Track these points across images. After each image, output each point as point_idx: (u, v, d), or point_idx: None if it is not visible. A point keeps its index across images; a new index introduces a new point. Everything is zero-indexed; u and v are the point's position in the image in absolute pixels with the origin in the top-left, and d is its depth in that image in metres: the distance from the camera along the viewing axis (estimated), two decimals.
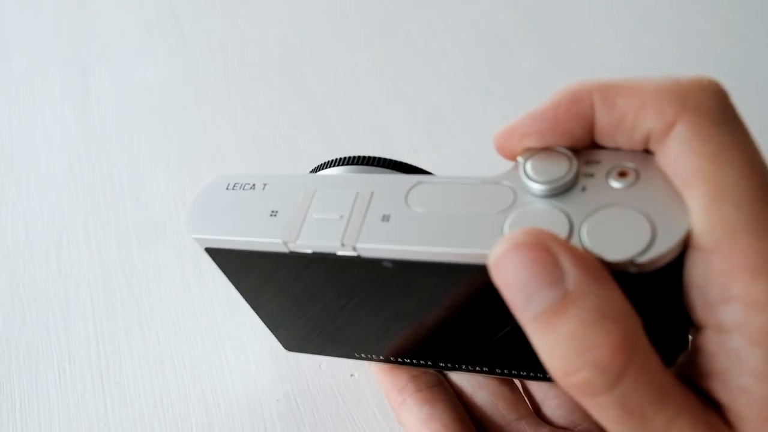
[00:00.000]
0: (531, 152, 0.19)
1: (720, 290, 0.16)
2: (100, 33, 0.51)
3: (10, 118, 0.43)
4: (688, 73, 0.18)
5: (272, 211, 0.21)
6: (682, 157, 0.16)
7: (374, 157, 0.23)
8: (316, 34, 0.52)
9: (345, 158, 0.23)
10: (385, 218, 0.19)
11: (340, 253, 0.20)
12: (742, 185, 0.16)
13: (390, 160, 0.22)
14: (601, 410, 0.16)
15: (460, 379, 0.26)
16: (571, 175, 0.18)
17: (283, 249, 0.20)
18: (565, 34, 0.54)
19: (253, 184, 0.22)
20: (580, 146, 0.19)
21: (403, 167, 0.23)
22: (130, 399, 0.28)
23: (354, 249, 0.19)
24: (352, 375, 0.30)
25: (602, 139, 0.18)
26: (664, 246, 0.16)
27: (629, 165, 0.18)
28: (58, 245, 0.35)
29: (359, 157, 0.23)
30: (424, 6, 0.56)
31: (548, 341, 0.16)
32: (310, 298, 0.23)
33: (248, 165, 0.40)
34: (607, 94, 0.18)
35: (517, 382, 0.26)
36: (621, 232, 0.17)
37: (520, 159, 0.19)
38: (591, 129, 0.18)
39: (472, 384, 0.25)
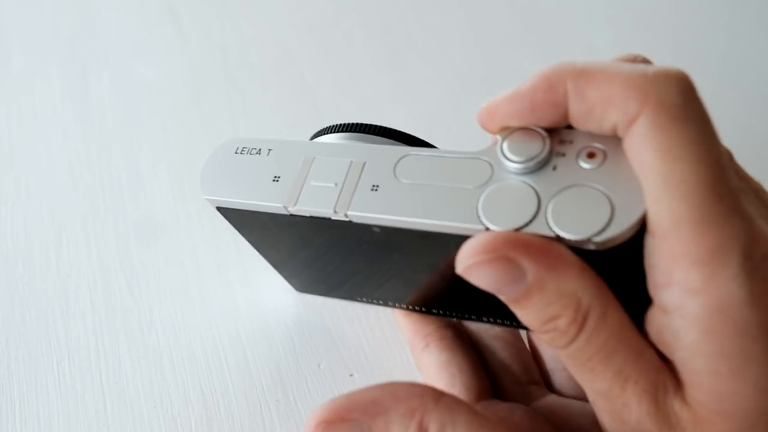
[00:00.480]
0: (509, 131, 0.21)
1: (665, 274, 0.18)
2: (100, 33, 0.51)
3: (10, 118, 0.43)
4: (663, 64, 0.19)
5: (275, 177, 0.23)
6: (639, 151, 0.18)
7: (371, 125, 0.25)
8: (316, 34, 0.52)
9: (344, 125, 0.24)
10: (375, 188, 0.21)
11: (333, 218, 0.22)
12: (690, 180, 0.17)
13: (386, 128, 0.24)
14: (563, 359, 0.19)
15: (483, 338, 0.28)
16: (543, 155, 0.19)
17: (284, 212, 0.23)
18: (564, 34, 0.54)
19: (259, 149, 0.24)
20: (557, 127, 0.20)
21: (398, 135, 0.24)
22: (130, 399, 0.28)
23: (346, 216, 0.21)
24: (351, 375, 0.30)
25: (575, 124, 0.20)
26: (620, 228, 0.18)
27: (598, 146, 0.19)
28: (58, 245, 0.35)
29: (357, 124, 0.24)
30: (424, 6, 0.56)
31: (522, 314, 0.19)
32: (312, 250, 0.26)
33: None
34: (579, 84, 0.19)
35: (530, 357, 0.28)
36: (583, 212, 0.18)
37: (498, 137, 0.21)
38: (565, 115, 0.19)
39: (493, 345, 0.28)
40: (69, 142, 0.41)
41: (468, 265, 0.18)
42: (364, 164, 0.22)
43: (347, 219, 0.21)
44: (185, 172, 0.40)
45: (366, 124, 0.24)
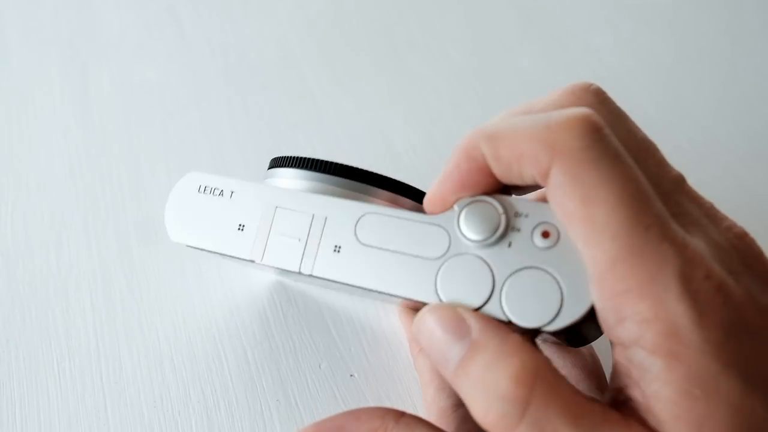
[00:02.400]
0: (464, 201, 0.21)
1: (615, 312, 0.18)
2: (100, 33, 0.51)
3: (9, 118, 0.43)
4: (570, 107, 0.20)
5: (240, 224, 0.24)
6: (560, 201, 0.19)
7: (326, 163, 0.25)
8: (316, 34, 0.52)
9: (301, 161, 0.25)
10: (337, 249, 0.22)
11: (299, 272, 0.23)
12: (612, 220, 0.18)
13: (341, 167, 0.24)
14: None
15: None
16: (499, 232, 0.20)
17: (252, 261, 0.24)
18: (565, 34, 0.54)
19: (221, 191, 0.25)
20: (497, 189, 0.21)
21: (354, 174, 0.24)
22: (130, 399, 0.28)
23: (311, 274, 0.23)
24: (351, 375, 0.30)
25: (504, 181, 0.21)
26: (568, 319, 0.19)
27: (553, 224, 0.20)
28: (58, 245, 0.35)
29: (313, 161, 0.24)
30: (424, 6, 0.56)
31: (466, 389, 0.19)
32: (284, 275, 0.28)
33: (248, 165, 0.40)
34: (491, 147, 0.20)
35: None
36: (535, 298, 0.19)
37: (456, 207, 0.21)
38: (494, 176, 0.21)
39: None
40: (69, 142, 0.41)
41: (421, 329, 0.20)
42: (325, 219, 0.23)
43: (312, 275, 0.23)
44: (185, 172, 0.40)
45: (322, 163, 0.24)
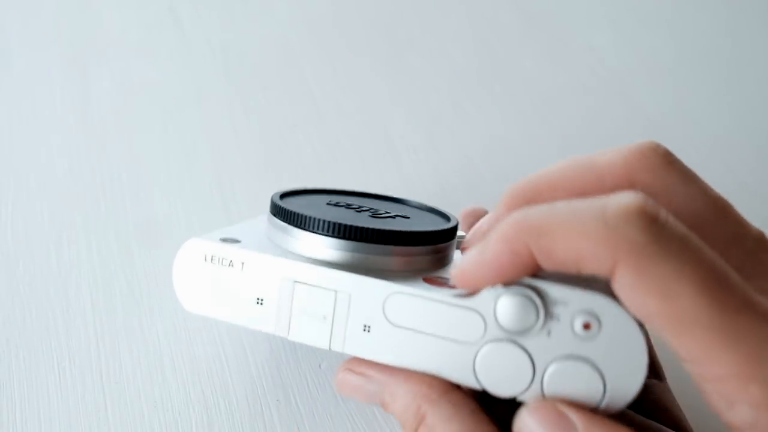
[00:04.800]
0: (498, 288, 0.20)
1: (724, 397, 0.18)
2: (100, 33, 0.51)
3: (10, 118, 0.43)
4: (618, 193, 0.19)
5: (258, 299, 0.23)
6: (634, 301, 0.18)
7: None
8: (316, 34, 0.52)
9: (306, 220, 0.23)
10: (366, 328, 0.21)
11: (329, 349, 0.22)
12: (700, 311, 0.17)
13: (355, 230, 0.22)
14: None
15: None
16: (538, 325, 0.19)
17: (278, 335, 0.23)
18: (565, 34, 0.54)
19: (231, 261, 0.23)
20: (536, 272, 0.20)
21: (366, 235, 0.23)
22: (130, 399, 0.28)
23: (342, 351, 0.22)
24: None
25: (553, 269, 0.20)
26: (611, 409, 0.19)
27: (594, 314, 0.19)
28: (58, 245, 0.35)
29: (325, 224, 0.23)
30: (424, 6, 0.56)
31: None
32: None
33: (248, 165, 0.40)
34: (543, 245, 0.19)
35: None
36: (577, 387, 0.19)
37: (488, 293, 0.20)
38: (538, 268, 0.19)
39: None
40: (69, 142, 0.41)
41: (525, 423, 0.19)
42: (350, 297, 0.21)
43: (344, 353, 0.22)
44: (185, 172, 0.40)
45: (336, 226, 0.22)
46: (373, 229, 0.22)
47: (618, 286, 0.18)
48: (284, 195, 0.26)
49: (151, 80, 0.47)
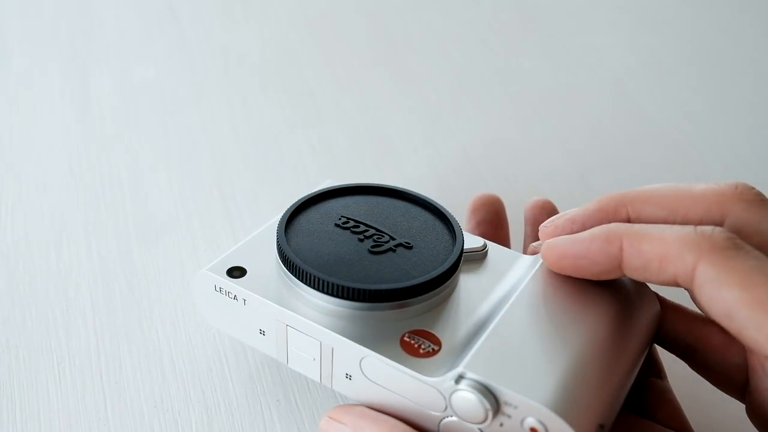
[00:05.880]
0: (450, 385, 0.21)
1: None
2: (100, 33, 0.51)
3: (10, 118, 0.43)
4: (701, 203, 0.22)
5: (261, 330, 0.25)
6: (715, 294, 0.20)
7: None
8: (316, 34, 0.52)
9: (305, 275, 0.24)
10: (348, 377, 0.23)
11: (321, 384, 0.25)
12: None
13: (343, 289, 0.24)
14: None
15: None
16: (488, 420, 0.21)
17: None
18: (565, 34, 0.54)
19: (235, 296, 0.25)
20: (609, 277, 0.23)
21: (352, 294, 0.24)
22: (130, 399, 0.28)
23: (331, 388, 0.25)
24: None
25: (631, 274, 0.22)
26: None
27: (539, 422, 0.20)
28: (58, 245, 0.35)
29: (322, 282, 0.24)
30: (424, 6, 0.56)
31: None
32: None
33: (248, 165, 0.40)
34: (635, 241, 0.21)
35: None
36: None
37: (448, 378, 0.21)
38: (619, 265, 0.22)
39: None
40: (69, 142, 0.41)
41: None
42: (332, 350, 0.23)
43: (333, 389, 0.25)
44: (185, 172, 0.40)
45: (327, 284, 0.24)
46: (356, 289, 0.23)
47: (698, 284, 0.20)
48: (296, 211, 0.27)
49: (151, 80, 0.47)
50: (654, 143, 0.45)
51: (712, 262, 0.20)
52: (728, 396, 0.25)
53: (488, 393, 0.21)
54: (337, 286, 0.23)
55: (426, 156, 0.42)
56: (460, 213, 0.31)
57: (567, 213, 0.25)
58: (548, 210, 0.32)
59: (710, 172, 0.43)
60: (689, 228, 0.21)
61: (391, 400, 0.23)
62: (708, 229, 0.21)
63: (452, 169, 0.41)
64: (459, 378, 0.21)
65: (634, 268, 0.22)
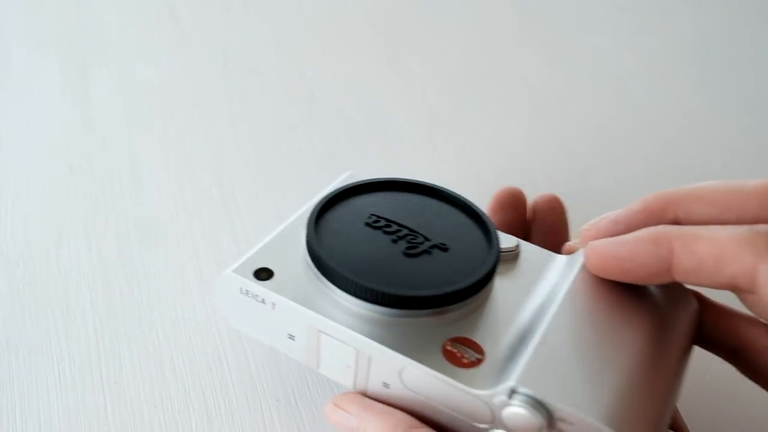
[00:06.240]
0: (503, 399, 0.20)
1: None
2: (100, 33, 0.51)
3: (10, 118, 0.43)
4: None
5: (290, 335, 0.24)
6: None
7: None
8: (316, 34, 0.52)
9: (340, 279, 0.23)
10: (386, 385, 0.22)
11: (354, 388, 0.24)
12: None
13: (384, 296, 0.22)
14: None
15: None
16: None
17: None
18: (565, 34, 0.54)
19: (263, 299, 0.24)
20: (657, 281, 0.22)
21: (392, 300, 0.23)
22: (130, 399, 0.28)
23: (365, 392, 0.23)
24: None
25: (682, 277, 0.21)
26: None
27: None
28: (58, 245, 0.35)
29: (357, 286, 0.23)
30: (424, 6, 0.56)
31: None
32: None
33: (248, 165, 0.40)
34: (687, 241, 0.21)
35: None
36: None
37: (498, 392, 0.20)
38: (669, 268, 0.21)
39: None
40: (69, 142, 0.41)
41: None
42: (370, 359, 0.22)
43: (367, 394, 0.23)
44: (185, 172, 0.40)
45: (367, 290, 0.23)
46: (396, 296, 0.22)
47: (762, 284, 0.19)
48: (324, 209, 0.25)
49: (151, 80, 0.47)
50: (654, 143, 0.44)
51: None
52: (726, 399, 0.24)
53: (542, 408, 0.20)
54: (376, 291, 0.22)
55: (426, 156, 0.42)
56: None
57: (609, 215, 0.24)
58: (553, 204, 0.31)
59: (710, 172, 0.43)
60: (744, 228, 0.20)
61: (431, 409, 0.22)
62: (765, 227, 0.20)
63: (452, 169, 0.41)
64: (512, 393, 0.20)
65: (685, 271, 0.21)
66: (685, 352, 0.23)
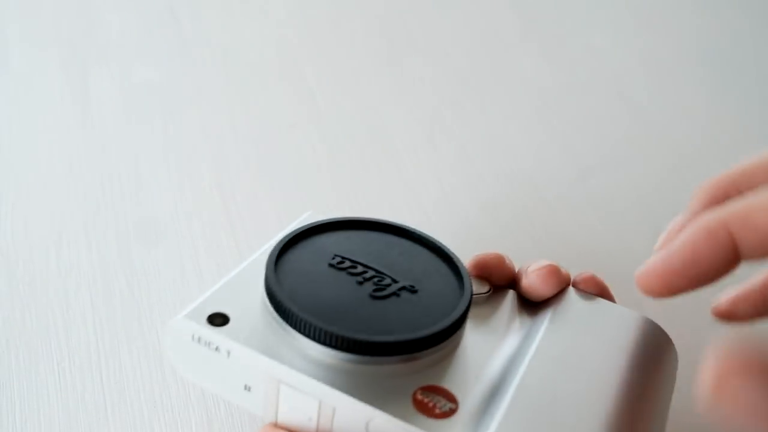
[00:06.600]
0: None
1: None
2: (100, 33, 0.51)
3: (10, 118, 0.43)
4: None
5: (246, 385, 0.22)
6: None
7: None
8: (316, 34, 0.52)
9: (299, 322, 0.21)
10: None
11: None
12: None
13: (345, 341, 0.21)
14: None
15: None
16: None
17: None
18: (565, 34, 0.54)
19: (217, 347, 0.22)
20: (728, 272, 0.19)
21: (356, 346, 0.21)
22: (130, 399, 0.28)
23: None
24: None
25: (753, 255, 0.19)
26: None
27: None
28: (58, 245, 0.35)
29: (316, 330, 0.21)
30: (424, 6, 0.56)
31: None
32: None
33: (248, 165, 0.40)
34: (741, 217, 0.18)
35: None
36: None
37: None
38: (735, 253, 0.19)
39: None
40: (69, 142, 0.41)
41: None
42: (334, 410, 0.20)
43: None
44: (185, 172, 0.40)
45: (327, 334, 0.21)
46: (362, 341, 0.21)
47: None
48: (284, 249, 0.24)
49: (151, 80, 0.47)
50: (654, 143, 0.45)
51: None
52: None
53: None
54: (340, 337, 0.21)
55: (426, 156, 0.42)
56: (461, 213, 0.31)
57: (672, 228, 0.22)
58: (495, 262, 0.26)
59: (710, 171, 0.43)
60: None
61: None
62: None
63: (452, 169, 0.41)
64: None
65: (754, 248, 0.18)
66: (667, 396, 0.23)
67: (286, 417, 0.22)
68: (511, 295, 0.25)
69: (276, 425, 0.22)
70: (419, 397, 0.20)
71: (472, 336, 0.23)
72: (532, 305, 0.25)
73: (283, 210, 0.38)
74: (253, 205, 0.38)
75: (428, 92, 0.48)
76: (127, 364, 0.30)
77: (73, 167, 0.40)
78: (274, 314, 0.22)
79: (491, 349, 0.23)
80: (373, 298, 0.23)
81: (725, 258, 0.19)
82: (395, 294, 0.23)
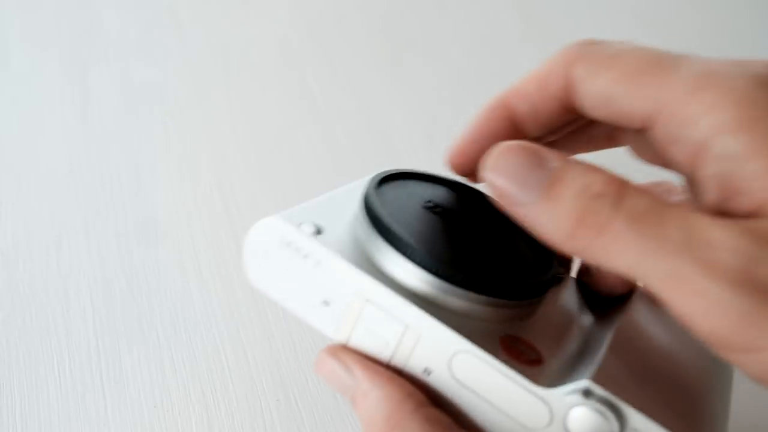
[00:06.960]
0: (572, 398, 0.18)
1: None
2: (100, 33, 0.51)
3: (10, 118, 0.43)
4: None
5: (325, 300, 0.21)
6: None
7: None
8: (316, 34, 0.52)
9: (411, 251, 0.20)
10: (427, 371, 0.20)
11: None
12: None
13: (462, 280, 0.20)
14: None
15: None
16: None
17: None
18: (565, 34, 0.54)
19: (307, 254, 0.20)
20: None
21: (470, 284, 0.20)
22: (130, 399, 0.28)
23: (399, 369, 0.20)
24: None
25: (532, 125, 0.22)
26: None
27: None
28: (58, 245, 0.35)
29: (430, 263, 0.20)
30: (424, 6, 0.56)
31: (551, 214, 0.18)
32: None
33: (248, 165, 0.40)
34: (514, 89, 0.22)
35: None
36: None
37: (565, 393, 0.18)
38: (515, 126, 0.22)
39: None
40: (69, 142, 0.41)
41: (496, 153, 0.18)
42: (419, 337, 0.19)
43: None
44: (185, 172, 0.40)
45: (443, 267, 0.20)
46: (467, 276, 0.20)
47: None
48: (383, 180, 0.23)
49: (151, 80, 0.47)
50: None
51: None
52: None
53: (617, 415, 0.17)
54: (446, 264, 0.20)
55: (426, 156, 0.42)
56: None
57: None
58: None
59: None
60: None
61: (473, 405, 0.19)
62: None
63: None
64: (587, 392, 0.18)
65: (528, 113, 0.23)
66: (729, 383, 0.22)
67: (360, 340, 0.20)
68: (572, 282, 0.25)
69: (345, 347, 0.21)
70: (507, 342, 0.20)
71: (548, 305, 0.23)
72: (594, 295, 0.25)
73: (282, 210, 0.38)
74: (253, 205, 0.38)
75: (428, 92, 0.47)
76: (127, 364, 0.30)
77: (73, 167, 0.40)
78: (371, 233, 0.21)
79: (569, 318, 0.22)
80: (470, 239, 0.22)
81: (506, 129, 0.22)
82: (488, 242, 0.22)
